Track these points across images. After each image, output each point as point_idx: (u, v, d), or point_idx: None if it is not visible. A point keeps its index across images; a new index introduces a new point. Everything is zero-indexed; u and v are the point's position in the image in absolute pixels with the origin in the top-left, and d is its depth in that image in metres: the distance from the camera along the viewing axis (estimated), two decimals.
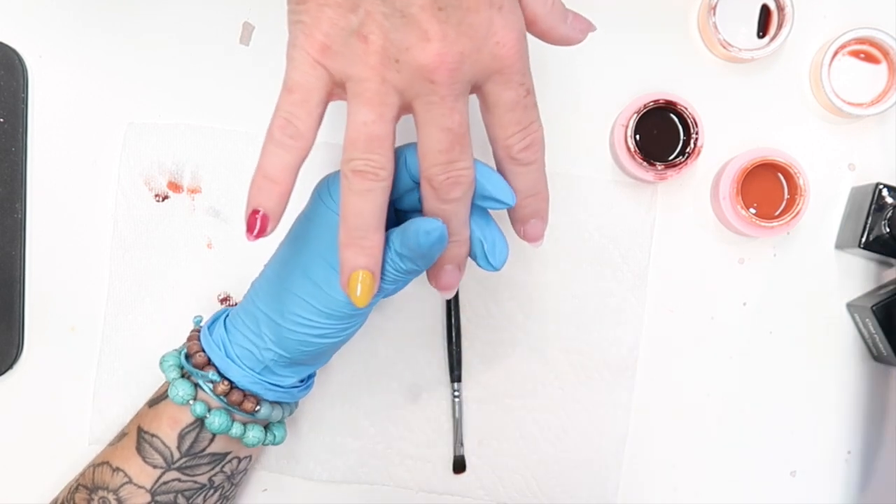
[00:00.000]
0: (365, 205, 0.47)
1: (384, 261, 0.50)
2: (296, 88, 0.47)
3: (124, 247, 0.67)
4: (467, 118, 0.47)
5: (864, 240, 0.64)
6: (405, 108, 0.47)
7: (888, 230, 0.63)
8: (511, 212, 0.52)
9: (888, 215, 0.63)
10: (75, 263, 0.67)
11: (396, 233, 0.50)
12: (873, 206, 0.64)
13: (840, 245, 0.67)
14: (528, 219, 0.52)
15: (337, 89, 0.47)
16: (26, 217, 0.67)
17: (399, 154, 0.51)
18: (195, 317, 0.60)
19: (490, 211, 0.52)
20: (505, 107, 0.48)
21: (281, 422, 0.61)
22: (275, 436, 0.60)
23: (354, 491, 0.67)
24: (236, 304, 0.66)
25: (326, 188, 0.52)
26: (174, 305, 0.67)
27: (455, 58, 0.45)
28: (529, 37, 0.50)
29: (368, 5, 0.45)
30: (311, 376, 0.60)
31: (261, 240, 0.48)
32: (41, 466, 0.66)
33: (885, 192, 0.64)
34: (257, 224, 0.47)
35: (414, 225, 0.49)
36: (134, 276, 0.67)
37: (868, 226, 0.64)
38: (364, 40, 0.45)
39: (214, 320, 0.58)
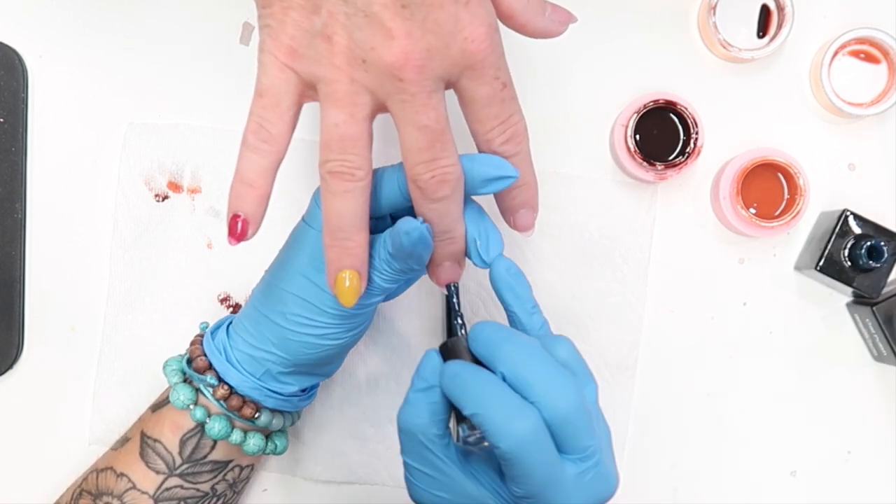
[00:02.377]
0: (345, 206, 0.47)
1: (381, 261, 0.50)
2: (266, 93, 0.47)
3: (124, 247, 0.67)
4: (445, 114, 0.47)
5: (820, 263, 0.64)
6: (380, 107, 0.47)
7: (847, 258, 0.64)
8: (500, 202, 0.52)
9: (849, 243, 0.64)
10: (75, 263, 0.67)
11: (388, 234, 0.50)
12: (836, 232, 0.64)
13: (798, 266, 0.67)
14: (517, 209, 0.52)
15: (309, 91, 0.47)
16: (26, 217, 0.67)
17: (391, 173, 0.51)
18: (201, 323, 0.60)
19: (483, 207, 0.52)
20: (481, 102, 0.48)
21: (282, 431, 0.60)
22: (276, 445, 0.60)
23: (354, 491, 0.67)
24: (236, 304, 0.66)
25: None
26: (174, 305, 0.67)
27: (421, 55, 0.45)
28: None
29: (330, 6, 0.44)
30: (313, 387, 0.60)
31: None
32: (41, 467, 0.66)
33: (851, 220, 0.64)
34: (238, 228, 0.48)
35: (398, 225, 0.49)
36: (134, 276, 0.67)
37: (828, 249, 0.64)
38: (328, 41, 0.45)
39: (218, 326, 0.58)
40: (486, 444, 0.48)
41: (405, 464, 0.49)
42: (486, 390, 0.46)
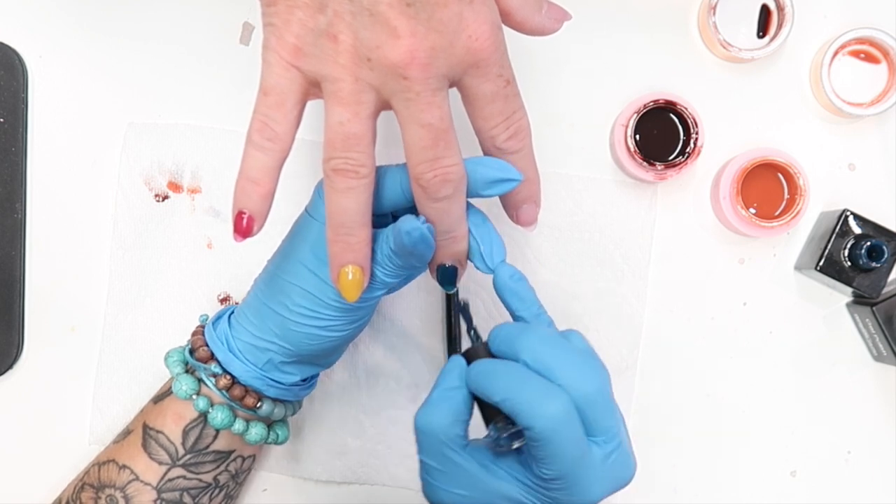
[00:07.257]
0: (348, 202, 0.48)
1: (384, 257, 0.51)
2: (271, 91, 0.47)
3: (124, 247, 0.67)
4: (448, 113, 0.47)
5: (820, 263, 0.64)
6: (383, 105, 0.47)
7: (847, 258, 0.64)
8: (504, 198, 0.52)
9: (849, 243, 0.64)
10: (75, 263, 0.67)
11: (391, 230, 0.51)
12: (836, 232, 0.64)
13: (798, 266, 0.67)
14: (520, 204, 0.52)
15: (313, 89, 0.47)
16: (26, 217, 0.67)
17: (394, 172, 0.51)
18: (201, 315, 0.61)
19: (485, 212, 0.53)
20: (485, 99, 0.48)
21: (284, 421, 0.61)
22: (277, 435, 0.60)
23: (354, 491, 0.67)
24: (237, 304, 0.66)
25: None
26: (174, 305, 0.67)
27: (426, 53, 0.45)
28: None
29: (336, 5, 0.45)
30: (314, 377, 0.60)
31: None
32: (41, 466, 0.66)
33: (851, 220, 0.64)
34: (244, 224, 0.49)
35: (399, 224, 0.49)
36: (134, 276, 0.67)
37: (828, 249, 0.64)
38: (334, 40, 0.45)
39: (219, 317, 0.58)
40: (516, 444, 0.50)
41: (423, 463, 0.51)
42: (514, 376, 0.48)
